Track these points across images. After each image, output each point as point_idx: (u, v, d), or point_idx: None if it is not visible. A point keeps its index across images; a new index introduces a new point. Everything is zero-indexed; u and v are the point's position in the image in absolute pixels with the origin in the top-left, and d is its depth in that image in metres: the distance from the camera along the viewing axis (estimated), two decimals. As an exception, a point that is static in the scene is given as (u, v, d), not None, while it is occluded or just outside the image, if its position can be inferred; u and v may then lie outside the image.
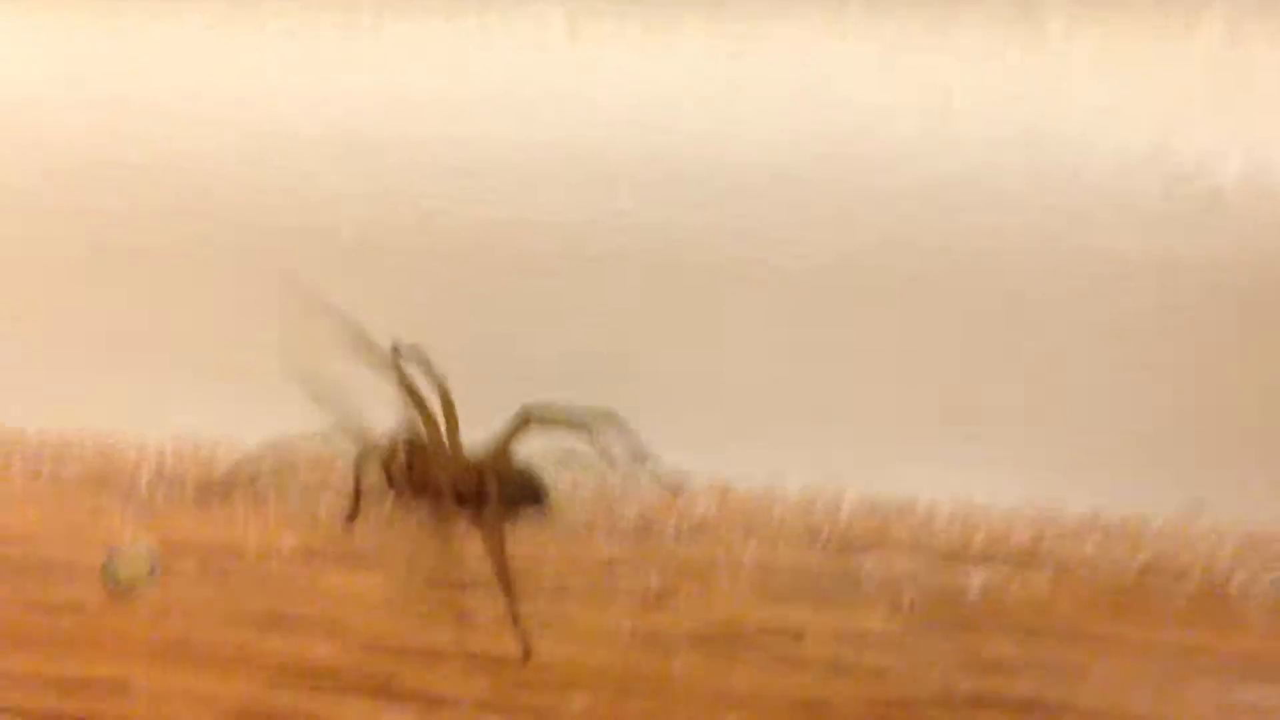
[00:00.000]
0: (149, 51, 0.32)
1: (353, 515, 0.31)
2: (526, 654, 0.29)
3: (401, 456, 0.31)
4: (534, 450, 0.31)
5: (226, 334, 0.33)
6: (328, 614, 0.30)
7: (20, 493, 0.31)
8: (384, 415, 0.31)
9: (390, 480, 0.31)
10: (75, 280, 0.33)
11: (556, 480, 0.31)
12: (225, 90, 0.32)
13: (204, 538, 0.31)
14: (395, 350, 0.31)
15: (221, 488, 0.31)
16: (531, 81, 0.31)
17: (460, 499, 0.30)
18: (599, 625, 0.29)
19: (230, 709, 0.30)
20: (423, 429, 0.31)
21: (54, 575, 0.30)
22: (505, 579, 0.29)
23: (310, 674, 0.29)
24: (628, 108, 0.31)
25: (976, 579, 0.30)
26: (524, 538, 0.31)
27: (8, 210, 0.33)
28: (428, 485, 0.31)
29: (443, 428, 0.31)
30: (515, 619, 0.29)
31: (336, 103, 0.32)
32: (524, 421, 0.31)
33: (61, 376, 0.34)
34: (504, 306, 0.32)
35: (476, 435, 0.31)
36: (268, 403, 0.34)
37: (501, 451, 0.31)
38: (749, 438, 0.33)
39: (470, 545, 0.30)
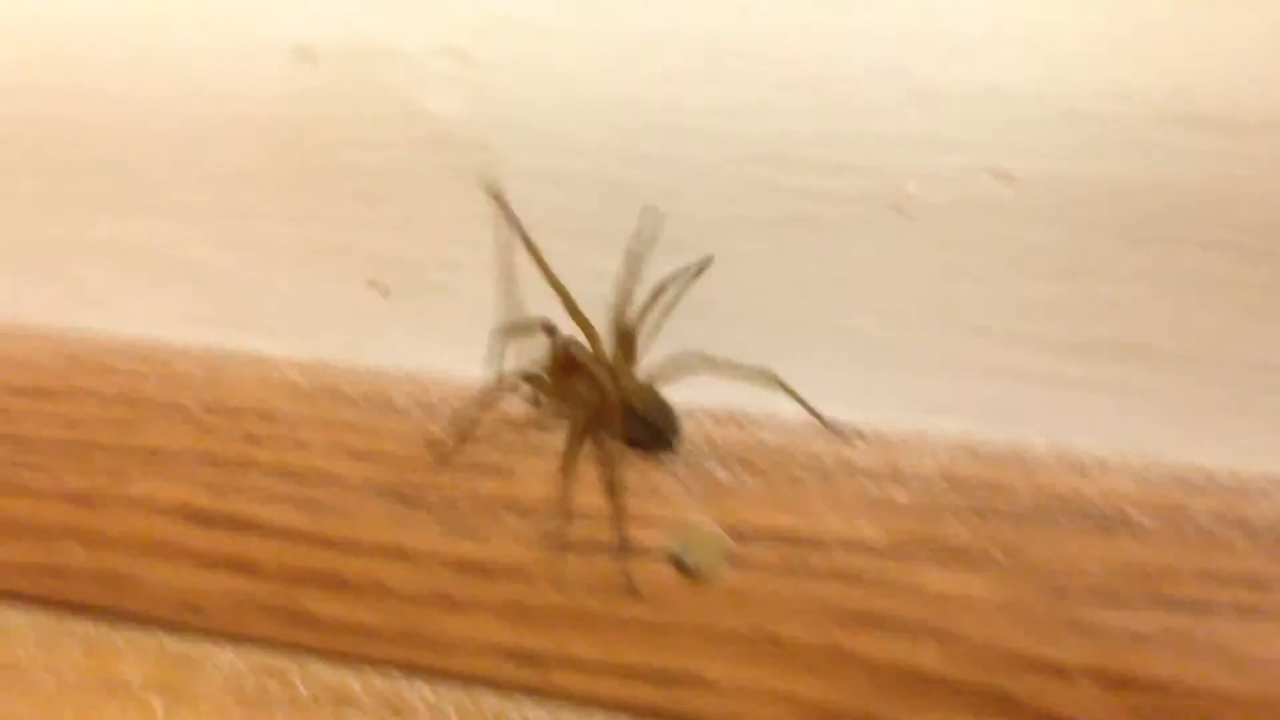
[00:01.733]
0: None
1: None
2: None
3: (554, 355, 0.28)
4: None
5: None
6: (928, 616, 0.26)
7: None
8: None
9: (538, 386, 0.29)
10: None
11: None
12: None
13: (774, 522, 0.28)
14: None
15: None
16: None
17: (595, 421, 0.28)
18: (1248, 650, 0.25)
19: (817, 713, 0.27)
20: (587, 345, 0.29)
21: (621, 556, 0.28)
22: (621, 510, 0.28)
23: (910, 681, 0.26)
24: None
25: None
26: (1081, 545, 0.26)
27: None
28: (570, 398, 0.28)
29: (604, 349, 0.29)
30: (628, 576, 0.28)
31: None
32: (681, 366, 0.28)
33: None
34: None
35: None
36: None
37: (645, 385, 0.28)
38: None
39: (1087, 553, 0.26)
